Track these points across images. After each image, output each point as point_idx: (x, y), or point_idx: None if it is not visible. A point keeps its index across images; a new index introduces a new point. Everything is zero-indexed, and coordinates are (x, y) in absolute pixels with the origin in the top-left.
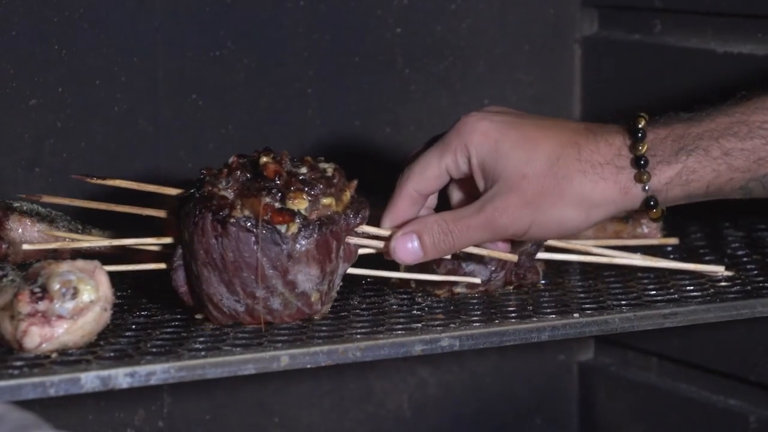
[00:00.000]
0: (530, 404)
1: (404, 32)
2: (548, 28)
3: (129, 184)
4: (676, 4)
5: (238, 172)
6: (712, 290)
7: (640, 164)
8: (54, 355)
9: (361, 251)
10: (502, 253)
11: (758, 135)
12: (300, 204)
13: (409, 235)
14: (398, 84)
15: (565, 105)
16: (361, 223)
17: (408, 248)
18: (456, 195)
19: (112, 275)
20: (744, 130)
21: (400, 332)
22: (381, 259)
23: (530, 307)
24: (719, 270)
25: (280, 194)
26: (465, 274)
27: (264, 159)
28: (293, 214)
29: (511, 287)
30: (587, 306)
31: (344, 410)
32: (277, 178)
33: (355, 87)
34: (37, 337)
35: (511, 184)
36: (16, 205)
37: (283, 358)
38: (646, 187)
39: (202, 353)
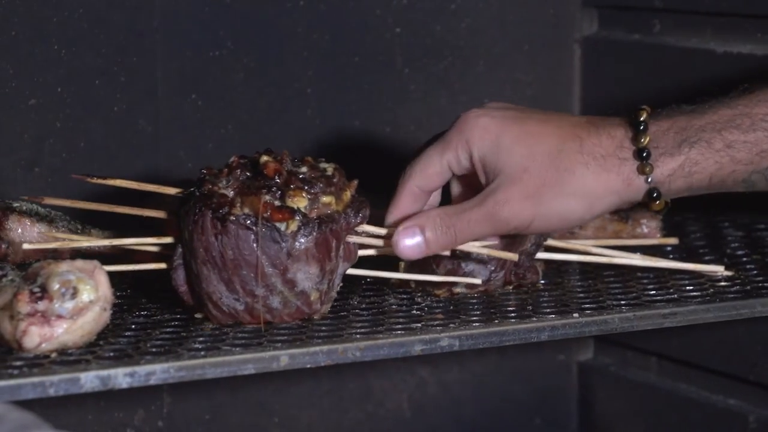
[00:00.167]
0: (530, 404)
1: (404, 32)
2: (548, 27)
3: (129, 184)
4: (675, 4)
5: (239, 171)
6: (711, 290)
7: (642, 156)
8: (53, 355)
9: (360, 252)
10: (502, 252)
11: (761, 127)
12: (300, 202)
13: (411, 230)
14: (398, 84)
15: (565, 105)
16: (361, 223)
17: (410, 243)
18: (458, 191)
19: (111, 275)
20: (747, 122)
21: (399, 332)
22: (381, 260)
23: (530, 307)
24: (719, 270)
25: (279, 192)
26: (465, 274)
27: (264, 158)
28: (293, 211)
29: (511, 287)
30: (587, 306)
31: (344, 410)
32: (277, 177)
33: (355, 87)
34: (36, 337)
35: (513, 177)
36: (15, 205)
37: (283, 357)
38: (649, 179)
39: (202, 353)
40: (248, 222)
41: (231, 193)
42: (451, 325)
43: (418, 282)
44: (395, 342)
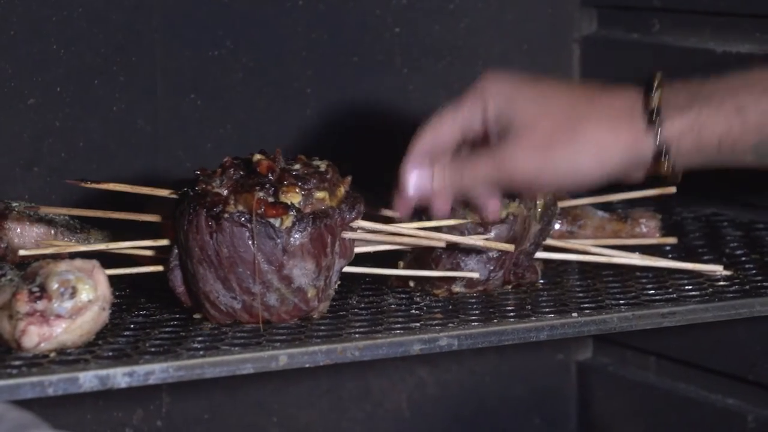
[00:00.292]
0: (529, 403)
1: (403, 32)
2: (547, 27)
3: (123, 187)
4: (674, 4)
5: (232, 170)
6: (710, 289)
7: (652, 114)
8: (52, 355)
9: (358, 249)
10: (499, 243)
11: None
12: (293, 198)
13: (419, 166)
14: (397, 84)
15: None
16: (356, 218)
17: (416, 178)
18: None
19: (110, 274)
20: (759, 88)
21: (398, 332)
22: (379, 257)
23: (529, 307)
24: (718, 269)
25: (273, 189)
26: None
27: (257, 156)
28: (287, 207)
29: (510, 286)
30: (586, 305)
31: (343, 410)
32: (270, 174)
33: (354, 87)
34: (35, 337)
35: (523, 131)
36: (14, 204)
37: (282, 357)
38: (658, 137)
39: (201, 353)
40: (243, 219)
41: (225, 192)
42: (450, 324)
43: (417, 281)
44: (394, 341)
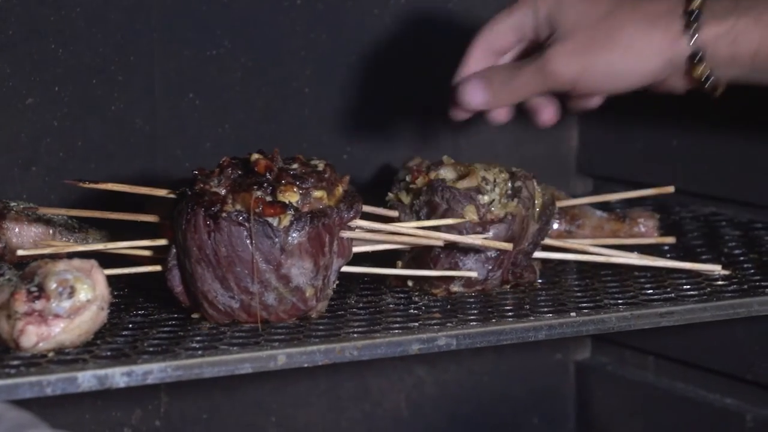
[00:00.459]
0: (527, 403)
1: (402, 31)
2: None
3: (121, 187)
4: None
5: (230, 170)
6: (708, 289)
7: (691, 16)
8: (51, 354)
9: (356, 249)
10: (497, 242)
11: None
12: (291, 197)
13: (477, 78)
14: (396, 83)
15: None
16: (354, 217)
17: (475, 90)
18: None
19: (108, 274)
20: None
21: (397, 331)
22: (377, 257)
23: (527, 306)
24: (716, 269)
25: (271, 188)
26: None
27: (255, 156)
28: (285, 206)
29: (508, 286)
30: (584, 305)
31: (341, 409)
32: (268, 173)
33: (353, 86)
34: (33, 336)
35: (566, 33)
36: (13, 204)
37: (280, 357)
38: (694, 39)
39: (199, 352)
40: (240, 218)
41: (223, 191)
42: (449, 324)
43: (415, 281)
44: (393, 341)
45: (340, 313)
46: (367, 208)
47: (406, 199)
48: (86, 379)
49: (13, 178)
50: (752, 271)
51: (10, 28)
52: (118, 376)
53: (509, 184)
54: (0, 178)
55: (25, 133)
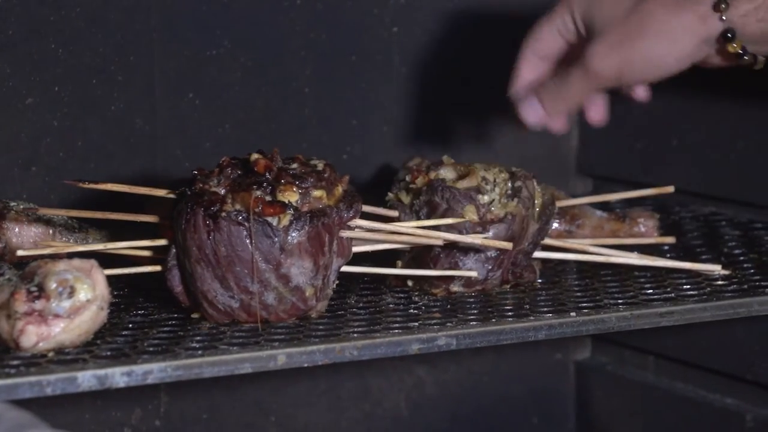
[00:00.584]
0: (527, 403)
1: (401, 31)
2: None
3: (121, 188)
4: None
5: (229, 170)
6: (708, 289)
7: None
8: (51, 354)
9: (356, 249)
10: (497, 242)
11: None
12: (291, 197)
13: (529, 99)
14: (395, 83)
15: None
16: (354, 217)
17: (530, 109)
18: None
19: (108, 274)
20: None
21: (397, 331)
22: (377, 257)
23: (527, 306)
24: (716, 269)
25: (270, 188)
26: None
27: (255, 155)
28: (284, 206)
29: (508, 286)
30: (584, 305)
31: (341, 409)
32: (267, 173)
33: (352, 86)
34: (33, 336)
35: (601, 29)
36: (12, 204)
37: (280, 357)
38: (723, 17)
39: (199, 352)
40: (240, 218)
41: (222, 191)
42: (449, 324)
43: (415, 281)
44: (392, 341)
45: (340, 312)
46: (367, 208)
47: (406, 199)
48: (86, 378)
49: (13, 178)
50: (752, 271)
51: (10, 28)
52: (118, 375)
53: (509, 184)
54: (0, 178)
55: (25, 133)
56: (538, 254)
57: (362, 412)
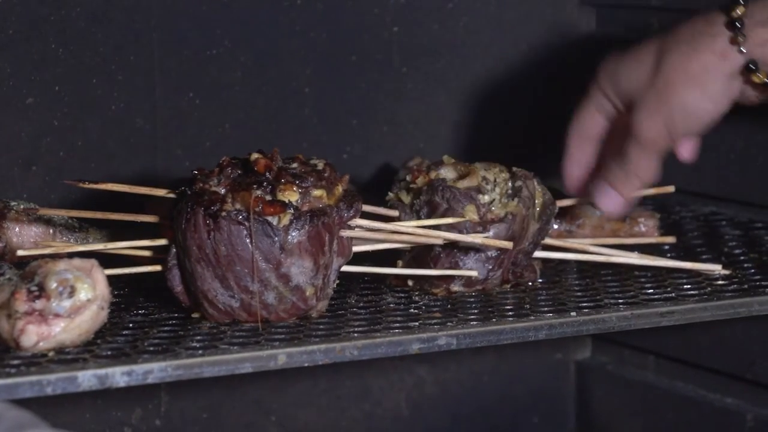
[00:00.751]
0: (527, 403)
1: (401, 31)
2: (545, 26)
3: (121, 188)
4: (673, 3)
5: (230, 169)
6: (709, 288)
7: (735, 26)
8: (51, 354)
9: (356, 248)
10: (497, 241)
11: None
12: (291, 196)
13: (602, 189)
14: (395, 83)
15: (564, 104)
16: (354, 216)
17: (608, 201)
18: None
19: (109, 274)
20: None
21: (397, 331)
22: (377, 256)
23: (527, 306)
24: (716, 268)
25: (270, 187)
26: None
27: (255, 155)
28: (284, 205)
29: (509, 286)
30: (584, 304)
31: (341, 409)
32: (267, 172)
33: (353, 86)
34: (34, 336)
35: (637, 98)
36: (13, 204)
37: (281, 356)
38: (743, 49)
39: (200, 352)
40: (240, 217)
41: (222, 191)
42: (449, 323)
43: (415, 281)
44: (393, 341)
45: (340, 312)
46: (367, 208)
47: (406, 198)
48: (86, 378)
49: (13, 178)
50: (752, 270)
51: (11, 27)
52: (119, 375)
53: (509, 184)
54: (0, 178)
55: (25, 132)
56: (539, 254)
57: (362, 411)
